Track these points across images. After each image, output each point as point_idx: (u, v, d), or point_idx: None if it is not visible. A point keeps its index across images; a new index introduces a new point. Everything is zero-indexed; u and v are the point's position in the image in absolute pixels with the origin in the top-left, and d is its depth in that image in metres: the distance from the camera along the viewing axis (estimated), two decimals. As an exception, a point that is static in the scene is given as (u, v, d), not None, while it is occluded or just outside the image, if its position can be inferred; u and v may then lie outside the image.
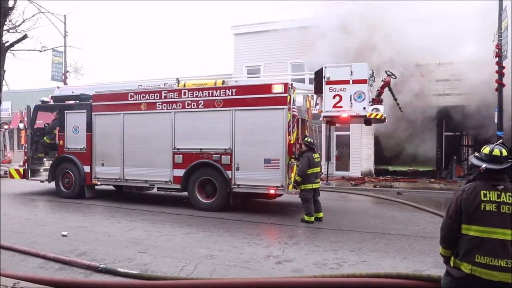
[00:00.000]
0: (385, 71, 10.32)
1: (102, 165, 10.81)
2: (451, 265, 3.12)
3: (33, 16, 8.70)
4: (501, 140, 3.37)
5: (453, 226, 3.09)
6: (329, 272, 5.14)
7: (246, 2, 43.00)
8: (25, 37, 6.16)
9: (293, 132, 8.77)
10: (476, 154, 3.18)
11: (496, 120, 13.25)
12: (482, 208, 2.93)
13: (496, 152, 3.04)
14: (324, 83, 9.53)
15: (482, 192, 2.96)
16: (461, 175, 16.68)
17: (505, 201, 2.90)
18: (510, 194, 2.92)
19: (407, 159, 18.00)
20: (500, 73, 12.88)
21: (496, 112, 13.18)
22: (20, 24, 7.95)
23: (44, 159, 12.30)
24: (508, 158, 3.04)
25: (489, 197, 2.94)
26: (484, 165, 3.01)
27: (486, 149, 3.11)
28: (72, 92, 12.33)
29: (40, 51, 8.31)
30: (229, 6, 58.54)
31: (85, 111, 11.09)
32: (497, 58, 12.88)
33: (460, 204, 3.02)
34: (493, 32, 13.01)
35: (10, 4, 5.84)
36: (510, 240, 2.86)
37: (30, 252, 5.81)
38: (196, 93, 9.62)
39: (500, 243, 2.87)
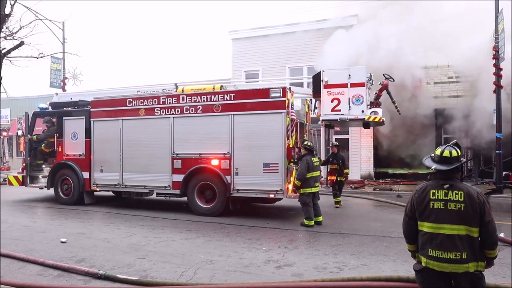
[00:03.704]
0: (383, 74, 10.35)
1: (101, 171, 10.78)
2: (416, 259, 3.36)
3: (30, 23, 8.70)
4: (455, 140, 3.50)
5: (410, 223, 3.34)
6: (329, 276, 5.11)
7: (244, 7, 43.18)
8: (21, 44, 6.17)
9: (291, 136, 8.76)
10: (432, 154, 3.34)
11: (494, 122, 13.28)
12: (431, 206, 3.17)
13: (446, 153, 3.22)
14: (322, 86, 9.56)
15: (431, 191, 3.19)
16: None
17: (452, 199, 3.11)
18: (456, 192, 3.12)
19: (407, 161, 17.98)
20: (498, 75, 12.93)
21: (495, 114, 13.22)
22: (17, 31, 7.96)
23: (43, 166, 12.28)
24: (459, 158, 3.23)
25: (437, 195, 3.16)
26: (434, 166, 3.22)
27: (438, 150, 3.29)
28: (71, 99, 12.33)
29: (37, 58, 8.31)
30: (227, 11, 58.76)
31: (84, 117, 11.08)
32: (494, 60, 12.95)
33: (414, 203, 3.28)
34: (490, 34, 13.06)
35: (7, 11, 5.85)
36: (457, 234, 3.08)
37: (28, 259, 5.77)
38: (194, 98, 9.62)
39: (448, 238, 3.09)
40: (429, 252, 3.14)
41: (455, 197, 3.11)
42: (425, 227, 3.21)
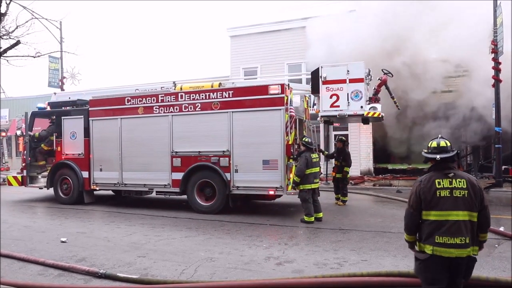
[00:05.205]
0: (382, 70, 10.31)
1: (101, 170, 10.77)
2: (417, 249, 3.49)
3: (27, 22, 8.63)
4: (440, 134, 3.76)
5: (415, 214, 3.45)
6: (330, 272, 5.12)
7: (242, 4, 43.08)
8: (18, 43, 6.14)
9: (291, 133, 8.75)
10: (425, 150, 3.58)
11: (493, 116, 13.26)
12: (438, 195, 3.33)
13: (443, 143, 3.49)
14: (320, 83, 9.52)
15: (436, 181, 3.37)
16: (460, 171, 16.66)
17: (456, 186, 3.32)
18: (460, 179, 3.35)
19: (406, 156, 17.99)
20: (497, 69, 12.91)
21: (494, 108, 13.20)
22: (14, 30, 7.91)
23: (41, 166, 12.25)
24: (452, 147, 3.52)
25: (443, 184, 3.35)
26: (438, 156, 3.43)
27: (433, 143, 3.54)
28: (69, 98, 12.30)
29: (34, 57, 8.27)
30: (225, 8, 58.63)
31: (82, 116, 11.06)
32: (493, 54, 12.92)
33: (419, 194, 3.41)
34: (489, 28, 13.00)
35: (3, 10, 5.82)
36: (462, 220, 3.28)
37: (29, 259, 5.77)
38: (193, 96, 9.60)
39: (455, 224, 3.27)
40: (436, 239, 3.28)
41: (459, 184, 3.32)
42: (432, 215, 3.34)
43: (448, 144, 3.49)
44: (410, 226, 3.51)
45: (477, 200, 3.31)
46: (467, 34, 13.38)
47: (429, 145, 3.58)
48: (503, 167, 13.97)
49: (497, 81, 12.96)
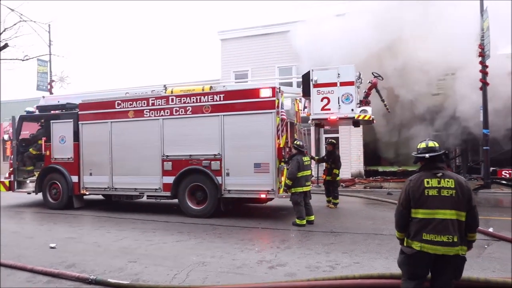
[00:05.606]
0: (372, 73, 10.40)
1: (90, 174, 10.65)
2: (404, 244, 3.62)
3: (15, 24, 8.53)
4: (429, 138, 3.97)
5: (404, 212, 3.59)
6: (322, 275, 5.11)
7: (232, 8, 43.14)
8: (6, 46, 6.05)
9: (282, 136, 8.76)
10: (414, 152, 3.73)
11: (481, 118, 13.47)
12: (426, 194, 3.46)
13: (431, 144, 3.65)
14: (311, 86, 9.57)
15: (425, 180, 3.49)
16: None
17: (444, 186, 3.43)
18: (448, 179, 3.46)
19: (396, 159, 18.15)
20: (484, 72, 13.13)
21: (482, 111, 13.41)
22: (1, 33, 7.81)
23: (29, 170, 12.07)
24: (440, 147, 3.66)
25: (431, 184, 3.47)
26: (427, 155, 3.56)
27: (422, 145, 3.70)
28: (58, 102, 12.15)
29: (22, 60, 8.16)
30: (216, 11, 58.66)
31: (72, 120, 10.94)
32: (480, 58, 13.14)
33: (409, 192, 3.55)
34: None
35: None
36: (450, 218, 3.38)
37: (16, 266, 5.66)
38: (183, 99, 9.57)
39: (442, 222, 3.38)
40: (424, 236, 3.41)
41: (447, 184, 3.43)
42: (419, 213, 3.47)
43: (437, 145, 3.63)
44: (400, 223, 3.65)
45: (465, 199, 3.40)
46: (457, 37, 13.59)
47: (418, 147, 3.72)
48: (491, 168, 14.18)
49: (484, 84, 13.19)
